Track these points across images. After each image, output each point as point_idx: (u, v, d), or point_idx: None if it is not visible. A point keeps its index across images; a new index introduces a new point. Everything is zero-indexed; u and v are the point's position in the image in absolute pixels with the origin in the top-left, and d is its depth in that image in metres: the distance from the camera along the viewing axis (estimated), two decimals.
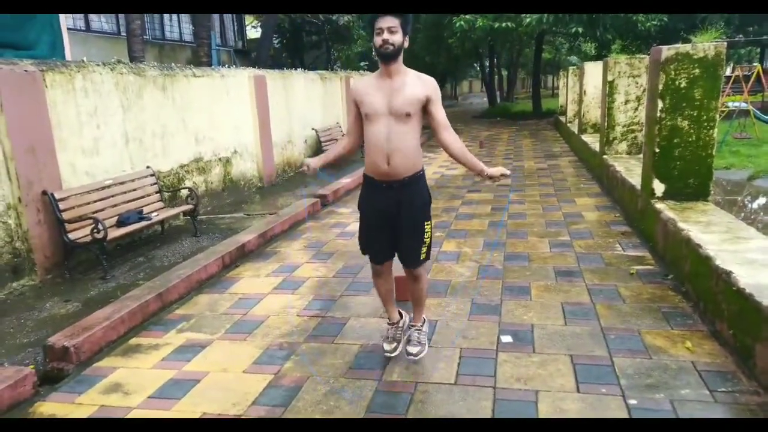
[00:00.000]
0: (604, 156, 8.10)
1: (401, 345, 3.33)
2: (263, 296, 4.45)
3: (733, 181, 9.23)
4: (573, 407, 2.71)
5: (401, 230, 3.02)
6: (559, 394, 2.84)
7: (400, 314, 3.44)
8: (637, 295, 4.05)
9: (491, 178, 2.89)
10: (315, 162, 3.13)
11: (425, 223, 3.04)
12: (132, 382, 3.20)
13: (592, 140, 10.13)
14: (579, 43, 24.54)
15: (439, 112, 2.92)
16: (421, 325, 3.33)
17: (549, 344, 3.37)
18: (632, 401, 2.73)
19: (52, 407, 3.00)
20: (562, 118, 16.55)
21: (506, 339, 3.47)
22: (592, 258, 4.93)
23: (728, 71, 20.92)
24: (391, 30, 2.75)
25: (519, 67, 38.64)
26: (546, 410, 2.71)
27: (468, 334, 3.56)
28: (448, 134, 2.94)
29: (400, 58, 2.85)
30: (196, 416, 2.82)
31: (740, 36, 21.14)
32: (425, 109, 2.89)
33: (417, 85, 2.86)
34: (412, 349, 3.22)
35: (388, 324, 3.39)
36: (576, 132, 12.06)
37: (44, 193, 4.89)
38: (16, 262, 4.77)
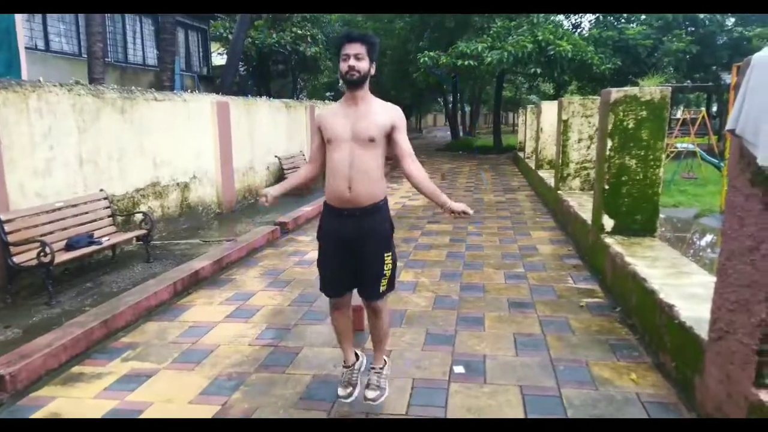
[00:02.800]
0: (559, 191, 8.35)
1: (357, 389, 3.10)
2: (215, 324, 4.35)
3: (681, 219, 9.62)
4: None
5: (361, 261, 2.91)
6: None
7: (357, 356, 3.23)
8: (586, 327, 4.15)
9: (452, 212, 2.79)
10: (274, 191, 3.04)
11: (386, 255, 2.93)
12: (71, 412, 3.06)
13: (548, 176, 10.44)
14: (537, 83, 25.47)
15: (404, 141, 2.87)
16: (381, 368, 3.11)
17: (500, 375, 3.41)
18: None
19: None
20: (521, 154, 17.03)
21: (459, 369, 3.48)
22: (545, 290, 5.03)
23: (678, 114, 21.99)
24: (357, 57, 2.74)
25: (481, 103, 39.69)
26: None
27: (421, 364, 3.56)
28: (412, 162, 2.87)
29: (366, 85, 2.83)
30: None
31: (688, 81, 22.33)
32: (389, 137, 2.85)
33: (382, 112, 2.84)
34: (370, 394, 3.01)
35: (344, 367, 3.16)
36: (533, 167, 12.41)
37: None
38: None
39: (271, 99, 12.19)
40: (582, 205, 7.08)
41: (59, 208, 5.41)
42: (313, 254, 6.46)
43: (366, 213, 2.86)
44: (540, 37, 16.99)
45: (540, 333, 4.05)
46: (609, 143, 5.16)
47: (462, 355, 3.70)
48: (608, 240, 5.12)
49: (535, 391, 3.20)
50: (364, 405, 3.05)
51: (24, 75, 7.80)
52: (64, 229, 5.37)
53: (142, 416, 3.01)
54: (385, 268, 2.94)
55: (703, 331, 2.90)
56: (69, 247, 5.27)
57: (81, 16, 12.51)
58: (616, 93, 5.11)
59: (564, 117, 8.21)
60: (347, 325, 3.17)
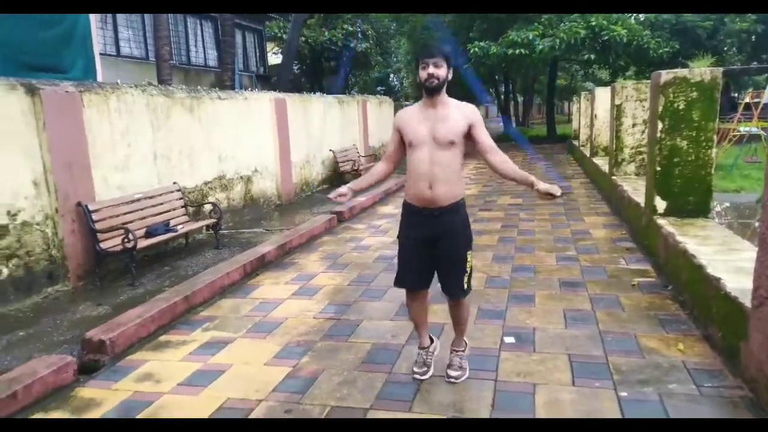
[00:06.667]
0: (613, 177, 8.32)
1: (431, 369, 3.27)
2: (282, 301, 4.73)
3: (743, 204, 9.36)
4: (567, 398, 2.94)
5: (442, 259, 3.03)
6: (555, 386, 3.06)
7: (431, 339, 3.40)
8: (636, 303, 4.26)
9: (540, 192, 2.85)
10: (354, 186, 3.18)
11: (467, 252, 3.05)
12: (162, 372, 3.49)
13: (602, 162, 10.36)
14: (593, 70, 24.90)
15: (484, 136, 2.96)
16: (463, 350, 3.30)
17: (549, 345, 3.59)
18: (623, 393, 2.94)
19: (91, 392, 3.29)
20: (576, 142, 16.78)
21: (509, 340, 3.70)
22: (596, 271, 5.14)
23: (747, 98, 21.02)
24: (436, 64, 2.87)
25: (534, 93, 39.06)
26: (542, 401, 2.93)
27: (473, 336, 3.78)
28: (495, 155, 2.97)
29: (444, 90, 2.95)
30: (222, 401, 3.09)
31: (754, 63, 21.31)
32: (468, 135, 2.95)
33: (459, 114, 2.95)
34: (453, 373, 3.19)
35: (419, 348, 3.35)
36: (588, 155, 12.30)
37: (79, 204, 5.24)
38: (51, 268, 5.11)
39: (325, 95, 12.60)
40: (636, 189, 7.06)
41: (138, 200, 5.93)
42: (368, 240, 6.81)
43: (446, 212, 2.98)
44: (593, 23, 16.70)
45: (590, 309, 4.20)
46: (660, 125, 5.20)
47: (512, 327, 3.91)
48: (661, 221, 5.16)
49: (582, 358, 3.37)
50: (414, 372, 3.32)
51: (99, 78, 8.47)
52: (143, 218, 5.89)
53: (225, 375, 3.39)
54: (467, 265, 3.06)
55: (747, 301, 3.00)
56: (148, 235, 5.78)
57: (148, 23, 13.31)
58: (665, 75, 5.14)
59: (617, 102, 8.16)
60: (423, 314, 3.31)
